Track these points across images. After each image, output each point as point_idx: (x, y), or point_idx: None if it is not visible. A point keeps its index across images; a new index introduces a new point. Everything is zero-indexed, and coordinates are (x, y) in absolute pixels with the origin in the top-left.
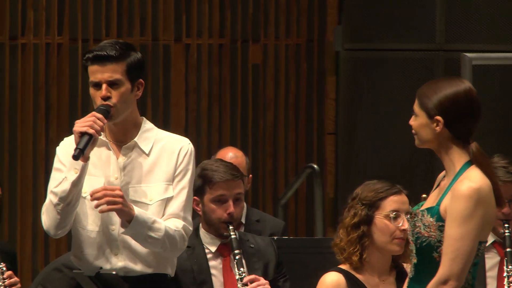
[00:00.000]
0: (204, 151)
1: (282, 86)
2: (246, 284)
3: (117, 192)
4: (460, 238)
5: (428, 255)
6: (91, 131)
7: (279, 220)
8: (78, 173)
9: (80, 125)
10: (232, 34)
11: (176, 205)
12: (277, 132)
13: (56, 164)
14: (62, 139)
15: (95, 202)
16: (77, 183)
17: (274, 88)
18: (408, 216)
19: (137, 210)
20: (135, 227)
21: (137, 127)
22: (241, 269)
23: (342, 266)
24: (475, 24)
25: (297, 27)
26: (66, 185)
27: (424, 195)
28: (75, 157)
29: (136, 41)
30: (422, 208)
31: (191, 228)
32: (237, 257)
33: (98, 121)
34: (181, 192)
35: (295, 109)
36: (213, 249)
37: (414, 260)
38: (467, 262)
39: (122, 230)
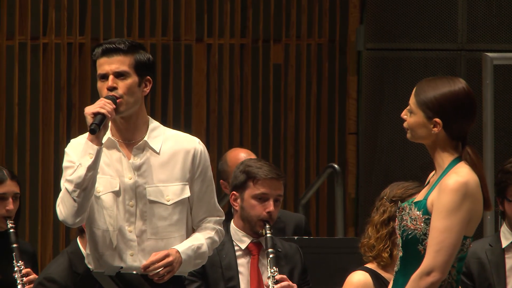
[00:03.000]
0: (225, 151)
1: (303, 86)
2: (277, 282)
3: (166, 260)
4: (445, 230)
5: (413, 248)
6: (103, 110)
7: (299, 214)
8: (94, 158)
9: (92, 107)
10: (254, 34)
11: (206, 204)
12: (298, 132)
13: (66, 163)
14: None
15: (111, 203)
16: (93, 167)
17: (295, 88)
18: (397, 211)
19: (183, 253)
20: (184, 267)
21: (145, 125)
22: (274, 267)
23: (369, 265)
24: (497, 24)
25: (319, 27)
26: (81, 171)
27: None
28: (92, 131)
29: (157, 41)
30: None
31: (223, 216)
32: (271, 256)
33: (108, 104)
34: (207, 190)
35: (316, 109)
36: (243, 246)
37: (400, 254)
38: (451, 255)
39: (140, 232)
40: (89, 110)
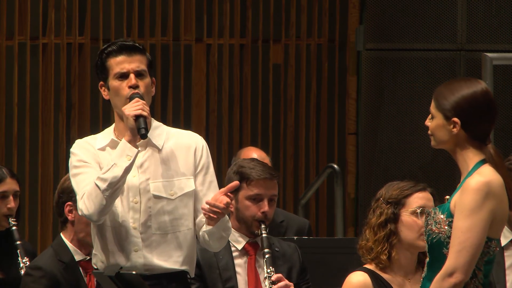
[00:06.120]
0: (225, 151)
1: (303, 86)
2: (274, 283)
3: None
4: (467, 230)
5: (439, 251)
6: (144, 113)
7: (303, 219)
8: (132, 159)
9: (133, 109)
10: (254, 34)
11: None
12: (298, 132)
13: (76, 162)
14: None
15: (115, 202)
16: (129, 169)
17: (295, 88)
18: (424, 216)
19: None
20: (218, 227)
21: (148, 124)
22: (270, 267)
23: (368, 266)
24: (496, 25)
25: (318, 27)
26: (118, 171)
27: (447, 197)
28: (144, 136)
29: (157, 41)
30: None
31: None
32: (266, 256)
33: (145, 105)
34: (211, 185)
35: (316, 109)
36: (239, 247)
37: (427, 259)
38: (474, 255)
39: (145, 228)
40: (131, 112)
